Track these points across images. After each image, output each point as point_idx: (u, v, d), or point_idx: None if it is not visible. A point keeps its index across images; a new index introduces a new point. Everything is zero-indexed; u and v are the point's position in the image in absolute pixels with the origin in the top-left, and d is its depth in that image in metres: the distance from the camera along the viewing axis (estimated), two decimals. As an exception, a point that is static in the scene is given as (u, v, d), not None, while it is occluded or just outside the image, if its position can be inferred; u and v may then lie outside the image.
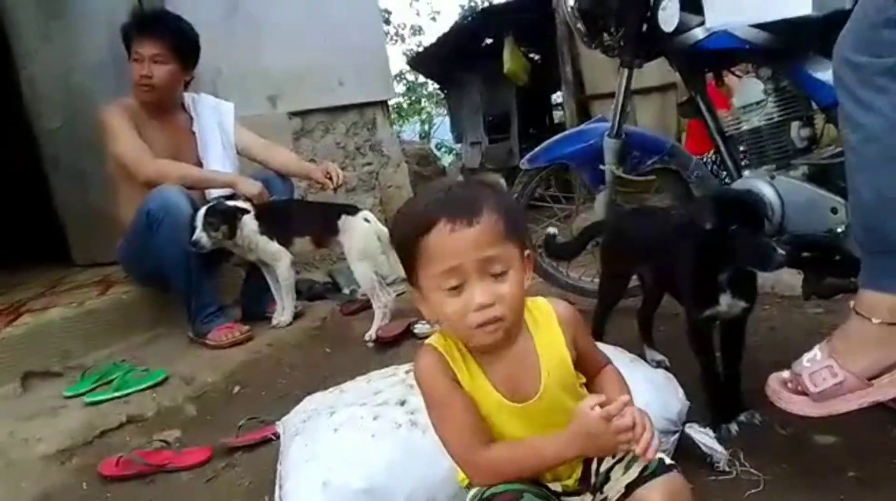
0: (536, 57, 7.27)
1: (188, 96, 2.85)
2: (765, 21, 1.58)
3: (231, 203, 2.63)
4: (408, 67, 13.71)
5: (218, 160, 2.79)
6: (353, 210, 2.75)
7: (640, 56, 1.99)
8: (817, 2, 1.50)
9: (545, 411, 1.05)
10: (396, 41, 16.21)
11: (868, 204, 1.19)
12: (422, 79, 16.10)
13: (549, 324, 1.09)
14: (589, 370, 1.15)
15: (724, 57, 1.75)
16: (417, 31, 16.27)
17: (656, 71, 4.60)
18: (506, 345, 1.04)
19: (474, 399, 1.05)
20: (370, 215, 2.77)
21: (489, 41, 7.22)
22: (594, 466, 1.08)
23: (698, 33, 1.72)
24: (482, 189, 1.03)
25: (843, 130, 1.22)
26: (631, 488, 1.03)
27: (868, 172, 1.18)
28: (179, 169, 2.63)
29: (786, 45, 1.58)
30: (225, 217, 2.57)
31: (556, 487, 1.10)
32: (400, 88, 16.62)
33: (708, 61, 1.82)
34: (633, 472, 1.03)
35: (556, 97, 7.58)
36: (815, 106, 1.69)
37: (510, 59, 6.57)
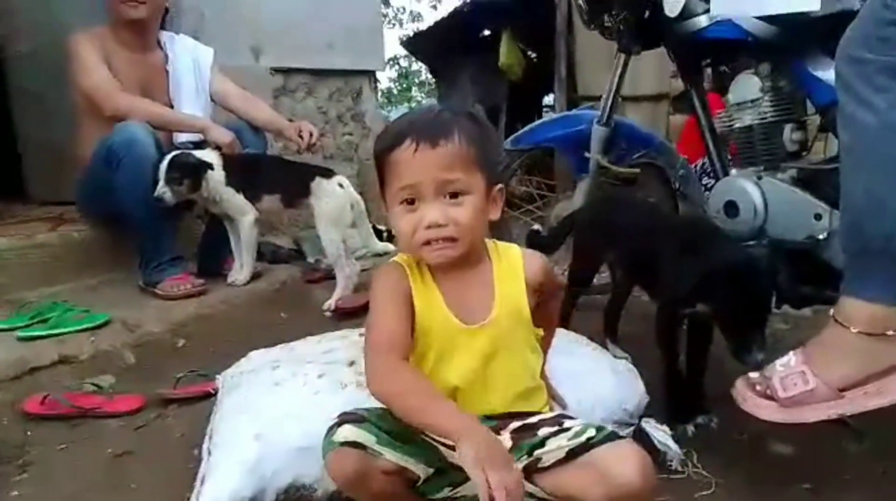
0: (533, 55, 7.21)
1: (165, 35, 2.71)
2: (770, 14, 1.53)
3: (196, 154, 2.51)
4: (402, 52, 13.59)
5: (190, 104, 2.67)
6: (328, 173, 2.65)
7: (638, 43, 1.93)
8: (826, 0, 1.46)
9: (492, 339, 1.07)
10: (394, 25, 16.08)
11: (857, 204, 1.17)
12: (415, 67, 16.01)
13: (513, 269, 1.12)
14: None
15: (725, 49, 1.70)
16: (416, 17, 16.15)
17: (650, 80, 4.66)
18: (460, 266, 1.07)
19: (423, 314, 1.06)
20: (345, 181, 2.67)
21: (487, 32, 7.13)
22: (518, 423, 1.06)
23: (702, 21, 1.68)
24: (460, 117, 1.05)
25: (840, 128, 1.19)
26: (575, 453, 0.98)
27: (860, 172, 1.16)
28: (149, 106, 2.49)
29: (790, 41, 1.53)
30: (189, 171, 2.44)
31: None
32: (392, 73, 16.52)
33: (708, 52, 1.78)
34: (579, 440, 0.99)
35: (548, 100, 7.53)
36: (809, 110, 1.66)
37: (506, 53, 6.50)
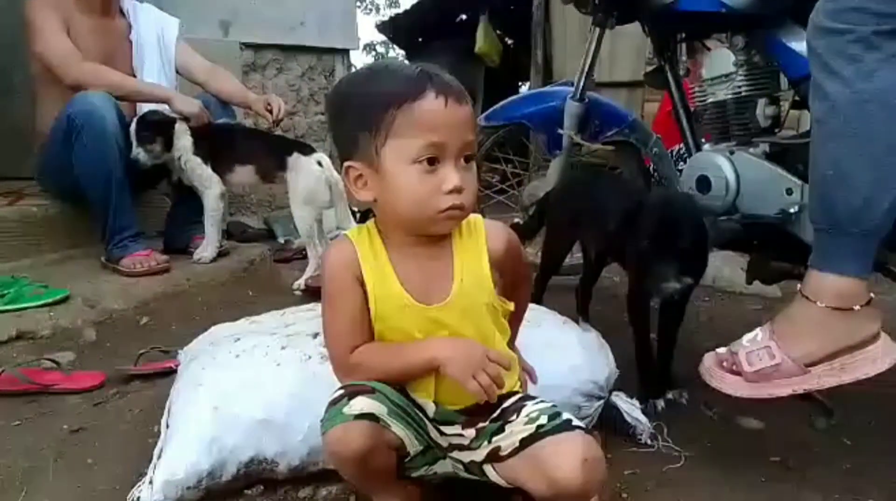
0: (510, 41, 7.17)
1: (127, 2, 2.62)
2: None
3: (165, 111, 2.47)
4: (378, 38, 13.46)
5: (154, 75, 2.58)
6: (307, 150, 2.58)
7: (613, 16, 1.90)
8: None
9: (454, 318, 1.00)
10: (371, 12, 15.91)
11: (825, 177, 1.16)
12: (392, 54, 15.86)
13: (475, 241, 1.03)
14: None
15: (700, 21, 1.67)
16: (393, 3, 15.97)
17: (626, 66, 4.65)
18: (419, 239, 0.99)
19: (377, 298, 0.99)
20: (325, 160, 2.59)
21: (464, 17, 7.08)
22: (488, 419, 1.03)
23: (676, -7, 1.65)
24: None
25: (811, 100, 1.19)
26: (526, 442, 0.97)
27: (828, 144, 1.15)
28: (111, 75, 2.40)
29: (764, 11, 1.52)
30: (158, 129, 2.41)
31: (429, 407, 1.05)
32: (369, 59, 16.34)
33: (682, 24, 1.75)
34: (531, 427, 0.97)
35: (525, 89, 7.51)
36: (783, 85, 1.64)
37: (483, 39, 6.45)
